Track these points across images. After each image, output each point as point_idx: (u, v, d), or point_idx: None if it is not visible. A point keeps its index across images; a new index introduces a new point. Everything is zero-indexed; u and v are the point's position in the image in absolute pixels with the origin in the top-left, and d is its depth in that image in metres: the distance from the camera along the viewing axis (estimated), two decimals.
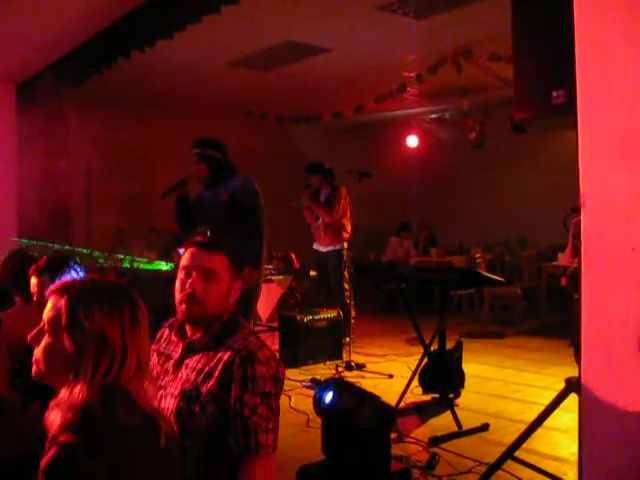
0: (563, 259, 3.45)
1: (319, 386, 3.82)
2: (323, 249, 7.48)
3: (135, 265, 7.79)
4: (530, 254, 9.93)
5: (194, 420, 2.15)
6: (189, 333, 2.32)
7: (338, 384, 3.75)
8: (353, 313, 7.40)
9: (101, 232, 10.02)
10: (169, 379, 2.28)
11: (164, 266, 8.16)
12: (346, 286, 7.41)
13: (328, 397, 3.64)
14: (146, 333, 1.66)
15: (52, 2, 5.72)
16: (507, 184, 10.75)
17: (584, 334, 2.36)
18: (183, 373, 2.24)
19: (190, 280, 2.25)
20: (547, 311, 9.22)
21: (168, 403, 2.22)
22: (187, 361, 2.27)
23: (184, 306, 2.25)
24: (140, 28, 5.66)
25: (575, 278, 7.63)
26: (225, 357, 2.17)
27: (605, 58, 2.21)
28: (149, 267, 7.81)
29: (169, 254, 8.73)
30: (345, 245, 7.37)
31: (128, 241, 9.71)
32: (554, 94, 2.99)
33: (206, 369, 2.19)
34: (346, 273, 7.44)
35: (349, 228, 7.50)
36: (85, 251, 8.27)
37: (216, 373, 2.16)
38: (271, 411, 2.13)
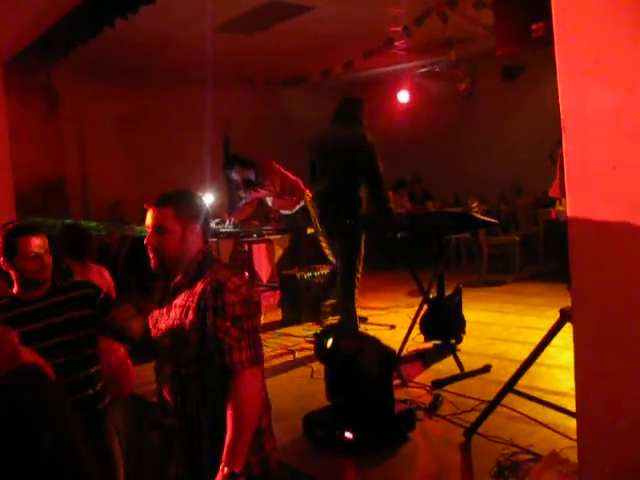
0: (551, 191, 3.48)
1: (319, 333, 3.89)
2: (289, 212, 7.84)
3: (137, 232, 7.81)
4: (526, 202, 9.96)
5: (183, 351, 2.41)
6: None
7: (338, 330, 3.82)
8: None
9: (98, 205, 10.02)
10: (163, 320, 2.54)
11: None
12: (321, 238, 7.59)
13: (328, 342, 3.71)
14: None
15: None
16: (500, 134, 10.70)
17: (572, 258, 2.40)
18: (172, 312, 2.49)
19: (148, 236, 2.49)
20: (545, 257, 9.29)
21: (163, 340, 2.50)
22: (175, 302, 2.50)
23: (150, 258, 2.51)
24: None
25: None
26: (199, 289, 2.40)
27: None
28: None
29: None
30: (307, 199, 7.61)
31: (125, 213, 9.74)
32: (534, 27, 3.01)
33: (187, 304, 2.43)
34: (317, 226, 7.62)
35: (299, 182, 7.73)
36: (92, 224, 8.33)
37: (193, 305, 2.39)
38: (243, 331, 2.33)
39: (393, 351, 3.80)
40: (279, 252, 7.51)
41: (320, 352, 3.80)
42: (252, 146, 9.19)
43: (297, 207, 7.77)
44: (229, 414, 2.27)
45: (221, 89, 10.14)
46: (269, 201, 7.88)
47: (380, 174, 5.78)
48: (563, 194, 3.34)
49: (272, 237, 7.33)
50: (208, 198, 8.15)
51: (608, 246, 2.25)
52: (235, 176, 7.79)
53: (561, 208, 6.02)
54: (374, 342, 3.73)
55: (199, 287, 2.40)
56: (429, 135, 11.25)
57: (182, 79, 10.09)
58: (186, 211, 2.49)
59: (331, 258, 7.48)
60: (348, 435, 3.54)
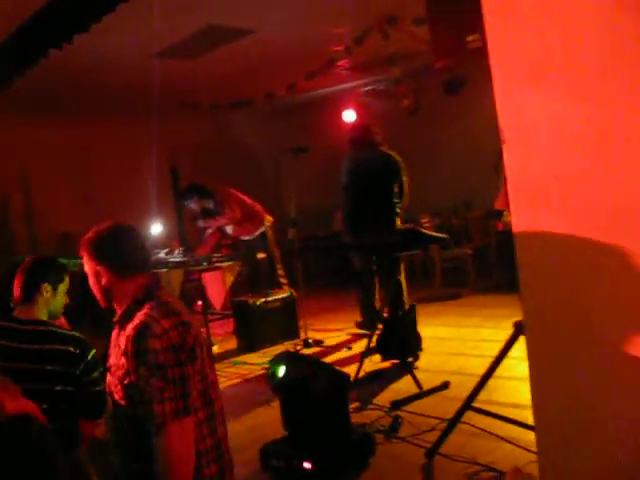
0: (497, 203, 3.45)
1: (271, 362, 3.79)
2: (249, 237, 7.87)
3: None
4: (477, 215, 10.00)
5: (117, 392, 2.32)
6: None
7: (289, 357, 3.71)
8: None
9: (45, 240, 9.76)
10: (112, 355, 2.46)
11: None
12: (278, 265, 7.63)
13: (280, 371, 3.61)
14: None
15: None
16: (447, 148, 10.75)
17: (520, 270, 2.36)
18: (115, 350, 2.42)
19: None
20: (498, 269, 9.32)
21: (109, 376, 2.43)
22: (118, 340, 2.41)
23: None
24: (54, 24, 5.49)
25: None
26: (128, 332, 2.28)
27: None
28: None
29: None
30: (267, 225, 7.77)
31: (74, 246, 9.51)
32: (469, 38, 2.99)
33: (121, 345, 2.33)
34: (276, 252, 7.77)
35: (258, 207, 7.85)
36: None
37: (124, 348, 2.27)
38: (167, 381, 2.17)
39: (347, 375, 3.72)
40: (230, 279, 7.39)
41: (272, 381, 3.70)
42: (201, 172, 9.10)
43: (257, 232, 7.73)
44: (159, 469, 2.17)
45: (166, 116, 10.03)
46: (229, 229, 7.81)
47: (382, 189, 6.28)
48: (508, 205, 3.32)
49: (222, 264, 7.19)
50: (156, 228, 8.02)
51: (554, 256, 2.21)
52: (193, 206, 7.69)
53: (508, 219, 6.05)
54: (326, 367, 3.65)
55: (129, 329, 2.29)
56: None
57: (126, 108, 9.94)
58: (91, 255, 2.45)
59: (285, 287, 7.46)
60: (307, 465, 3.44)
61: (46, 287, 3.00)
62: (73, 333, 2.96)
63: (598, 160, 2.08)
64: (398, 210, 6.33)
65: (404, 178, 6.36)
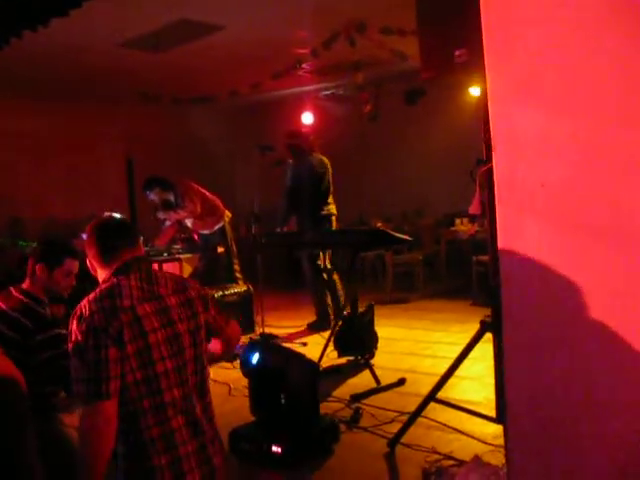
0: (471, 208, 3.67)
1: (244, 348, 3.91)
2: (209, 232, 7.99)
3: None
4: (428, 222, 10.27)
5: None
6: None
7: (264, 344, 3.85)
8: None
9: None
10: None
11: None
12: (235, 260, 7.85)
13: (255, 357, 3.74)
14: None
15: None
16: (402, 157, 11.00)
17: (502, 270, 2.53)
18: None
19: None
20: (448, 276, 9.60)
21: None
22: None
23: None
24: (32, 6, 5.48)
25: (474, 242, 7.92)
26: None
27: (508, 7, 2.37)
28: None
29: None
30: (226, 220, 7.94)
31: (25, 232, 9.44)
32: (457, 53, 3.18)
33: None
34: (234, 247, 7.96)
35: (218, 202, 8.00)
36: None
37: None
38: (83, 362, 2.24)
39: (317, 364, 3.87)
40: (188, 270, 7.46)
41: (246, 367, 3.82)
42: (158, 164, 9.11)
43: (217, 227, 7.82)
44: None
45: (126, 106, 10.04)
46: (189, 222, 7.88)
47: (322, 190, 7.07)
48: (481, 211, 3.53)
49: (182, 256, 7.28)
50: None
51: (536, 260, 2.39)
52: (154, 197, 7.74)
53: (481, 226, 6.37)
54: (299, 356, 3.80)
55: None
56: (333, 156, 11.43)
57: (85, 95, 9.90)
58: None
59: (240, 281, 7.58)
60: (276, 449, 3.58)
61: (41, 267, 3.23)
62: (39, 310, 3.18)
63: (583, 170, 2.27)
64: (334, 212, 7.03)
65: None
